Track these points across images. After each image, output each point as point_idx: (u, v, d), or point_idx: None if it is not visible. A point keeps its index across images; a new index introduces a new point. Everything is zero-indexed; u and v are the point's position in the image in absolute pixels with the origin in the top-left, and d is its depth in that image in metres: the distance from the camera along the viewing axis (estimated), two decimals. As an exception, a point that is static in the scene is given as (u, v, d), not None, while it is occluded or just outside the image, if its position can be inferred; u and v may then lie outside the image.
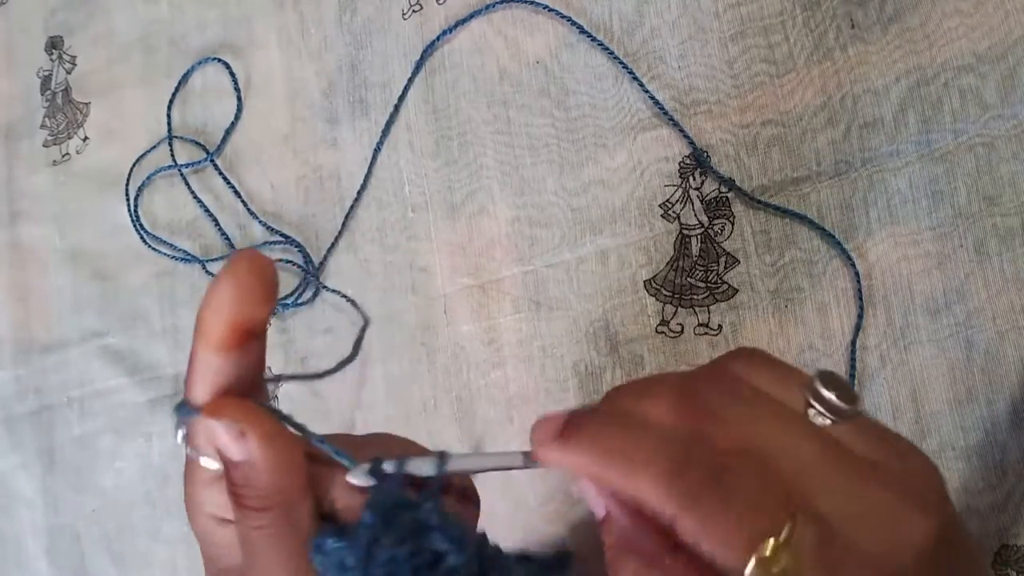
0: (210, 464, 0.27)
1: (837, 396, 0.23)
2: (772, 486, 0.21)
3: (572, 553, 0.27)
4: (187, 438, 0.28)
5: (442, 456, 0.26)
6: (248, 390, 0.27)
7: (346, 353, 0.29)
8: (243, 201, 0.58)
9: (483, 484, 0.30)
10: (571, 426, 0.25)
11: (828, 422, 0.23)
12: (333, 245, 0.55)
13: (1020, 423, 0.40)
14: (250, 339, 0.26)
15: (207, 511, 0.28)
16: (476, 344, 0.51)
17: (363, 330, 0.31)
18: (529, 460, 0.26)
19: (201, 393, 0.26)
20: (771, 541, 0.20)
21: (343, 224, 0.55)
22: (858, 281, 0.44)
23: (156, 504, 0.58)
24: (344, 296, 0.53)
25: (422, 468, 0.26)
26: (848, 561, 0.21)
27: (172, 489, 0.58)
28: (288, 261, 0.55)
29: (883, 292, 0.43)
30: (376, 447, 0.28)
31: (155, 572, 0.57)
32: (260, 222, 0.57)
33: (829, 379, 0.23)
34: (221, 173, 0.59)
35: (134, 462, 0.59)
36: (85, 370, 0.61)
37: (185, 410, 0.27)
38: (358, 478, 0.26)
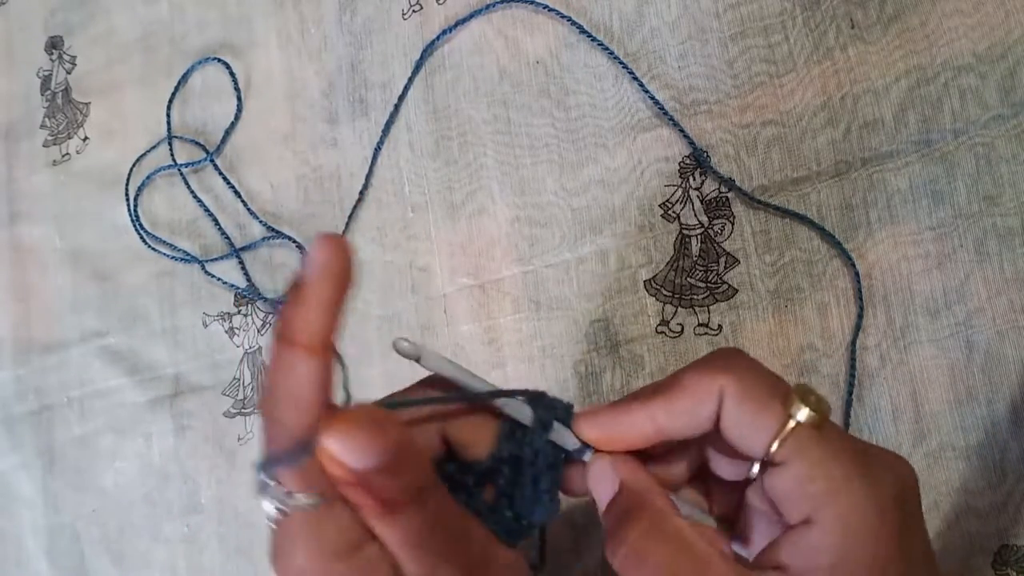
0: (304, 500, 0.24)
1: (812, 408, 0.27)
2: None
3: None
4: (275, 489, 0.24)
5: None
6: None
7: (346, 352, 0.29)
8: (243, 201, 0.58)
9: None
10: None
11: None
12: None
13: (1020, 423, 0.40)
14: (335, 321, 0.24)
15: (329, 551, 0.25)
16: (476, 344, 0.51)
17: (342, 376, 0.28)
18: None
19: (309, 415, 0.23)
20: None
21: (346, 224, 0.55)
22: (858, 281, 0.44)
23: (156, 504, 0.58)
24: None
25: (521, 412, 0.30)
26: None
27: (172, 489, 0.58)
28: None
29: (883, 292, 0.43)
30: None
31: (155, 572, 0.57)
32: (260, 222, 0.57)
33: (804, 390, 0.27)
34: (221, 173, 0.59)
35: (134, 462, 0.59)
36: (85, 370, 0.61)
37: (295, 454, 0.23)
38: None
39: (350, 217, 0.55)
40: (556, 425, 0.30)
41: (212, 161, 0.59)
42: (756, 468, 0.29)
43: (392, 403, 0.29)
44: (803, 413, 0.26)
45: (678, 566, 0.25)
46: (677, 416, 0.28)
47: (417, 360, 0.27)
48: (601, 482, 0.29)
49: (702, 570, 0.25)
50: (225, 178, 0.58)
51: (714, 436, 0.29)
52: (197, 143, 0.60)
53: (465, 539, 0.28)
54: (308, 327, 0.23)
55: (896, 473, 0.27)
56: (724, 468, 0.31)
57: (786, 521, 0.27)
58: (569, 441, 0.30)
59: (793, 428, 0.26)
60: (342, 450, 0.23)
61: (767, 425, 0.27)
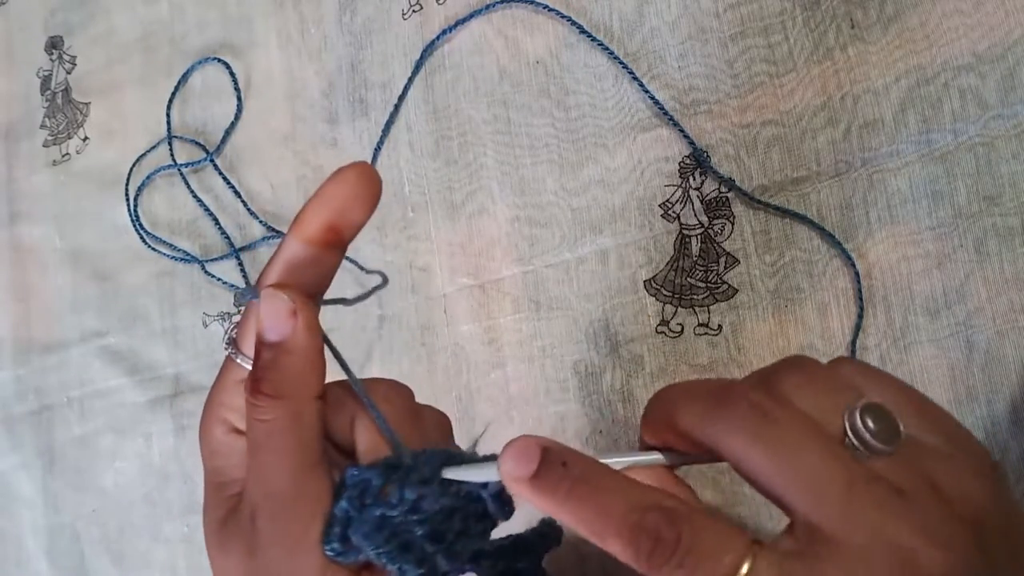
0: (245, 363, 0.28)
1: (876, 432, 0.22)
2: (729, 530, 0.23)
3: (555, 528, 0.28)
4: (232, 342, 0.29)
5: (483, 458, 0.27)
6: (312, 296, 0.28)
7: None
8: (243, 201, 0.58)
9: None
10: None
11: (862, 450, 0.23)
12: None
13: (1020, 423, 0.40)
14: (337, 243, 0.28)
15: (222, 415, 0.29)
16: (476, 344, 0.51)
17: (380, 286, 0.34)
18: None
19: (274, 276, 0.27)
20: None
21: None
22: (858, 281, 0.44)
23: (156, 504, 0.58)
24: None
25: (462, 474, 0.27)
26: None
27: (172, 489, 0.58)
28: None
29: (883, 292, 0.43)
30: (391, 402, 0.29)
31: (155, 572, 0.57)
32: (260, 222, 0.57)
33: (873, 412, 0.23)
34: (221, 173, 0.59)
35: (134, 462, 0.59)
36: (85, 370, 0.61)
37: (249, 292, 0.27)
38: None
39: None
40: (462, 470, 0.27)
41: (212, 161, 0.59)
42: None
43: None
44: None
45: (635, 487, 0.24)
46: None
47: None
48: (517, 457, 0.25)
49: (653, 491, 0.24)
50: (225, 178, 0.58)
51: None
52: (197, 143, 0.60)
53: (300, 484, 0.27)
54: (302, 216, 0.28)
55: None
56: None
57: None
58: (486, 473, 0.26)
59: None
60: (266, 311, 0.27)
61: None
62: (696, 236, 0.47)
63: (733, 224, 0.46)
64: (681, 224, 0.47)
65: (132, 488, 0.59)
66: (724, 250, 0.46)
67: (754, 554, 0.22)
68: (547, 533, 0.28)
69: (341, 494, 0.27)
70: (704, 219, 0.47)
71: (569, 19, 0.50)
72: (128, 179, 0.61)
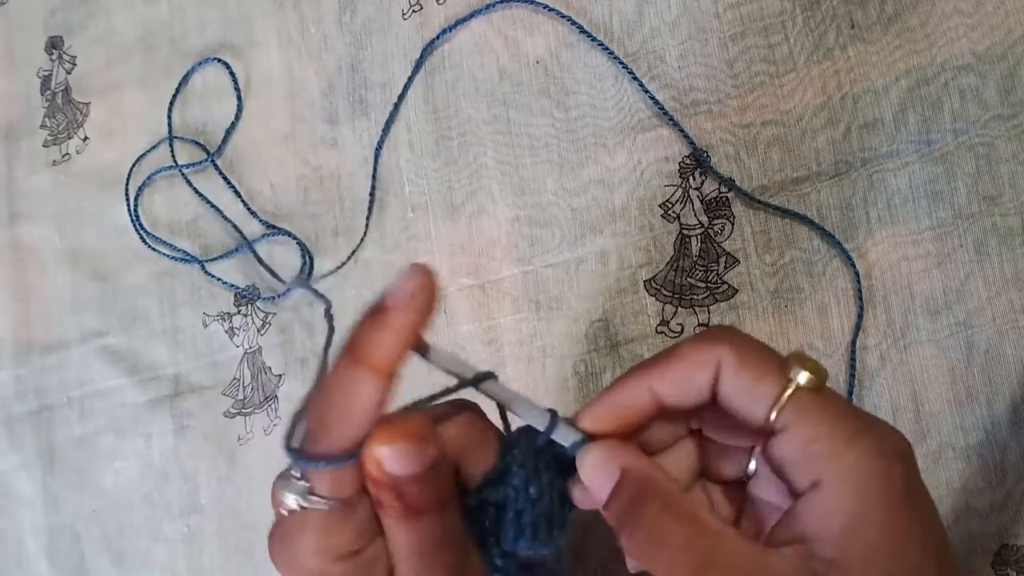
0: (325, 502, 0.25)
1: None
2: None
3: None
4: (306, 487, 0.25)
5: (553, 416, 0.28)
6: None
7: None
8: (243, 201, 0.58)
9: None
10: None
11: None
12: (360, 245, 0.54)
13: (1020, 423, 0.40)
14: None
15: (333, 551, 0.26)
16: (476, 344, 0.51)
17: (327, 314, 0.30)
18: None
19: (361, 430, 0.24)
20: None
21: (366, 227, 0.54)
22: (858, 281, 0.44)
23: (156, 504, 0.58)
24: (315, 292, 0.51)
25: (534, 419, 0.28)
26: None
27: (172, 489, 0.58)
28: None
29: (883, 292, 0.43)
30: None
31: (155, 572, 0.57)
32: (260, 221, 0.57)
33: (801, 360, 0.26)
34: (221, 173, 0.59)
35: (134, 462, 0.59)
36: (85, 370, 0.61)
37: (336, 460, 0.24)
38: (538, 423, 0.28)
39: (370, 221, 0.54)
40: (559, 426, 0.29)
41: (213, 161, 0.59)
42: (752, 465, 0.29)
43: (420, 404, 0.29)
44: (802, 376, 0.26)
45: (697, 543, 0.25)
46: (674, 384, 0.28)
47: (423, 355, 0.26)
48: (598, 471, 0.28)
49: (719, 545, 0.25)
50: (226, 178, 0.58)
51: (712, 420, 0.29)
52: (197, 143, 0.60)
53: (464, 561, 0.28)
54: (382, 351, 0.24)
55: (897, 438, 0.27)
56: (724, 465, 0.31)
57: (795, 489, 0.27)
58: (569, 437, 0.29)
59: (792, 392, 0.26)
60: (390, 457, 0.24)
61: (767, 391, 0.27)
62: (696, 236, 0.47)
63: (733, 224, 0.46)
64: (681, 224, 0.47)
65: (132, 488, 0.59)
66: (724, 250, 0.46)
67: None
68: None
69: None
70: (704, 219, 0.47)
71: (569, 19, 0.50)
72: (128, 179, 0.61)
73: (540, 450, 0.28)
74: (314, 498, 0.25)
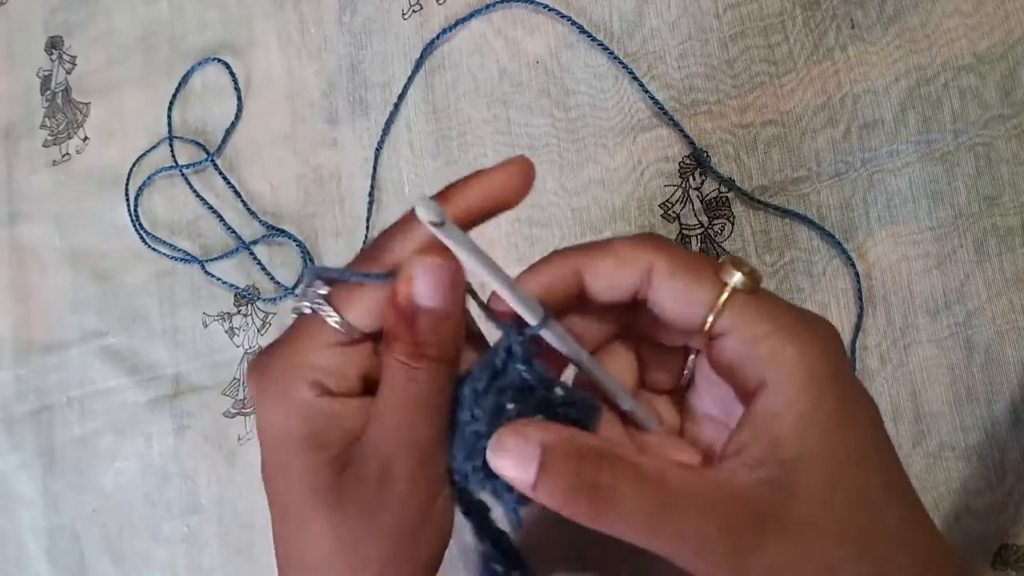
0: (338, 324, 0.27)
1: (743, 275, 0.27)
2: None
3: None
4: (325, 299, 0.27)
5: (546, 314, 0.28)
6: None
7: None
8: (243, 201, 0.58)
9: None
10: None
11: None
12: (362, 248, 0.55)
13: (1020, 423, 0.40)
14: (472, 225, 0.28)
15: (312, 378, 0.27)
16: (476, 344, 0.51)
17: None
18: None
19: (413, 245, 0.27)
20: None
21: (366, 227, 0.54)
22: (858, 281, 0.44)
23: (156, 504, 0.58)
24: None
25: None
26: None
27: (172, 489, 0.58)
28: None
29: (883, 292, 0.43)
30: None
31: (155, 572, 0.57)
32: (260, 221, 0.57)
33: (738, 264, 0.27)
34: (221, 173, 0.59)
35: (134, 462, 0.59)
36: (85, 370, 0.61)
37: (318, 272, 0.27)
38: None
39: (368, 221, 0.55)
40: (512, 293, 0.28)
41: (213, 161, 0.59)
42: (687, 373, 0.30)
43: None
44: (737, 278, 0.26)
45: (645, 492, 0.25)
46: (601, 277, 0.28)
47: (438, 227, 0.24)
48: (517, 454, 0.26)
49: (665, 485, 0.25)
50: (226, 179, 0.58)
51: (644, 320, 0.29)
52: (197, 143, 0.60)
53: (438, 441, 0.28)
54: (463, 197, 0.27)
55: (824, 324, 0.27)
56: (662, 377, 0.31)
57: (745, 391, 0.27)
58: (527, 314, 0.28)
59: (729, 296, 0.26)
60: (424, 277, 0.26)
61: (702, 297, 0.27)
62: (696, 236, 0.47)
63: (733, 224, 0.46)
64: (681, 224, 0.47)
65: (132, 488, 0.59)
66: (724, 250, 0.46)
67: None
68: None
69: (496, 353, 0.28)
70: (704, 219, 0.47)
71: (569, 19, 0.50)
72: (128, 179, 0.61)
73: (500, 371, 0.28)
74: (328, 308, 0.27)
